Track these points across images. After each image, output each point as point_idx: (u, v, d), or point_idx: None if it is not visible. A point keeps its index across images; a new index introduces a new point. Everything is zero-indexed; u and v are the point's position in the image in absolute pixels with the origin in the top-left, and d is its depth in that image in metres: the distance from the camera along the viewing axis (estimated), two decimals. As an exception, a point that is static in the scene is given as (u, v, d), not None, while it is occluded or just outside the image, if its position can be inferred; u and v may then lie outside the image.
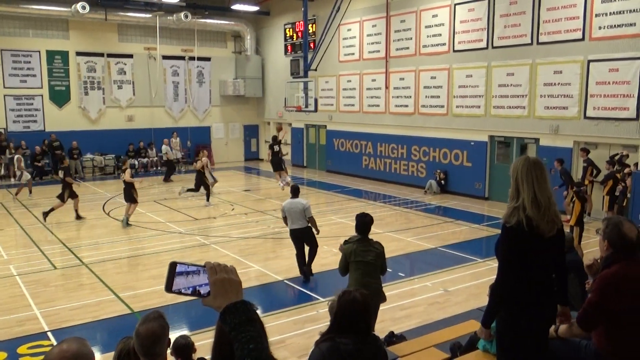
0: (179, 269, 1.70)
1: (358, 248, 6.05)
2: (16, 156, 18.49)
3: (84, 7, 20.40)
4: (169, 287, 1.70)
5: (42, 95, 22.10)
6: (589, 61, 13.84)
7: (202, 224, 14.02)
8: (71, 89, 22.69)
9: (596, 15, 13.62)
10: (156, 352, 2.94)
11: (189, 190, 16.62)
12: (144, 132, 23.77)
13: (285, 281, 9.59)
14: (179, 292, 1.70)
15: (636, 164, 12.62)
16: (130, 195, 13.56)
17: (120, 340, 3.63)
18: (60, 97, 22.51)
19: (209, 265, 1.70)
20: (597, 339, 3.64)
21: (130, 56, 23.79)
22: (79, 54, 22.62)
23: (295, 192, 9.36)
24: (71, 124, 22.53)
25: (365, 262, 5.99)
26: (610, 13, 13.36)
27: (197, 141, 24.51)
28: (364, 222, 6.18)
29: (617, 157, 12.99)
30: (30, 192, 17.58)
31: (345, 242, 6.22)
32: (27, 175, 17.69)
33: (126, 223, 13.51)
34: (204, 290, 1.69)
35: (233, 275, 1.72)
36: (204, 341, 5.34)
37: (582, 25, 13.90)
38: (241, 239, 12.50)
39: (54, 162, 20.93)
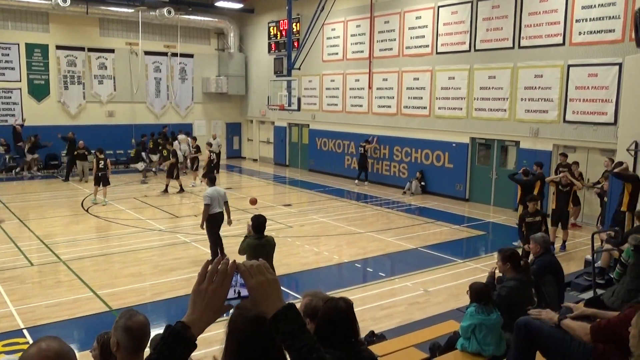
0: None
1: (255, 242, 7.05)
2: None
3: (64, 0, 20.08)
4: None
5: (20, 89, 21.71)
6: (569, 66, 14.03)
7: (183, 222, 13.92)
8: (50, 83, 22.31)
9: (576, 21, 13.82)
10: (145, 345, 2.88)
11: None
12: (125, 128, 23.49)
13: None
14: None
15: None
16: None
17: (99, 334, 3.62)
18: (39, 91, 22.13)
19: (241, 269, 1.64)
20: (602, 349, 3.69)
21: (112, 51, 23.49)
22: (59, 47, 22.26)
23: (214, 182, 10.66)
24: (50, 118, 22.16)
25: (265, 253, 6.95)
26: (590, 19, 13.57)
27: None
28: (259, 222, 7.12)
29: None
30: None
31: (245, 237, 7.28)
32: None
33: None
34: (242, 292, 1.65)
35: (269, 274, 1.65)
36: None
37: (563, 30, 14.10)
38: (222, 237, 12.41)
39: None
